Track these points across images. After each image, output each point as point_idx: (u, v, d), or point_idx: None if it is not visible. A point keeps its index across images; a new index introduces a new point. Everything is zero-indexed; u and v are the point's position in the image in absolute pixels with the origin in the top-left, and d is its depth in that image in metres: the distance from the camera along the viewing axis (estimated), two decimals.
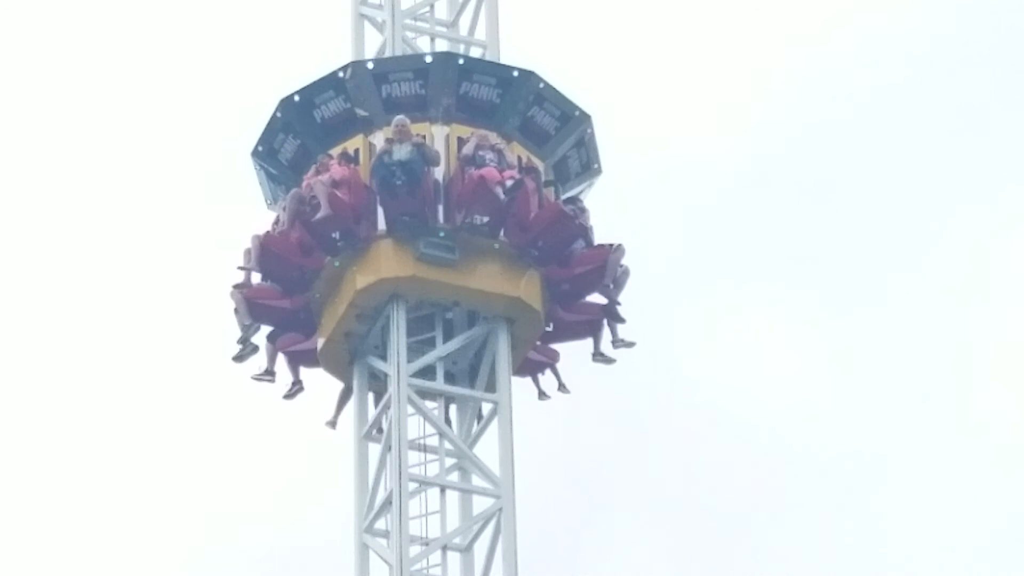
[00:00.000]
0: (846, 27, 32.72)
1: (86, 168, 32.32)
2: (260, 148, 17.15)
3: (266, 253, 16.36)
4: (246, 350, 16.54)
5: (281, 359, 16.83)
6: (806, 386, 30.43)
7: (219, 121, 27.13)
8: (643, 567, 26.35)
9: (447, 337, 16.18)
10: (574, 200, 17.23)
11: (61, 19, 32.81)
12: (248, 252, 16.52)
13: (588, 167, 17.63)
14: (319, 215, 15.91)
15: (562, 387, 17.06)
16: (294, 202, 16.16)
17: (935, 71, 33.14)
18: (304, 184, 16.30)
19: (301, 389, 16.88)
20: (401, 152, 15.73)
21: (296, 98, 16.77)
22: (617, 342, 16.75)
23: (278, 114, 16.93)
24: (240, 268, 16.45)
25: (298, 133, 16.94)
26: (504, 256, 16.09)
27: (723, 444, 28.81)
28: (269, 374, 16.68)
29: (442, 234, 15.88)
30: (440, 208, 15.96)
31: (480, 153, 16.05)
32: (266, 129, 17.05)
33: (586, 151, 17.54)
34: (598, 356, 16.84)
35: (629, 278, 16.78)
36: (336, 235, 16.17)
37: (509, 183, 15.85)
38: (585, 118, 17.43)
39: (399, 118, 15.99)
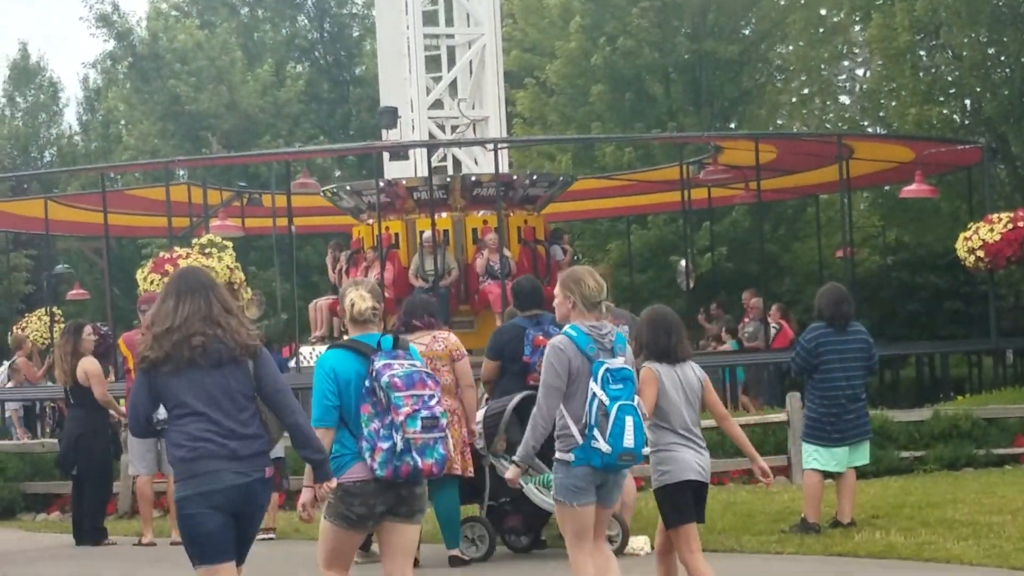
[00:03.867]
0: None
1: None
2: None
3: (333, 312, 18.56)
4: None
5: None
6: None
7: None
8: None
9: None
10: (559, 236, 19.39)
11: None
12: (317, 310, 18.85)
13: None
14: None
15: None
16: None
17: None
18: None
19: None
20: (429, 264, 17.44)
21: (348, 186, 19.57)
22: None
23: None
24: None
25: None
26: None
27: None
28: None
29: (465, 318, 17.80)
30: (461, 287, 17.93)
31: (491, 264, 17.56)
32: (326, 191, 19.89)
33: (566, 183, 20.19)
34: None
35: None
36: None
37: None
38: (568, 180, 20.24)
39: (426, 235, 17.49)
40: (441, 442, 5.85)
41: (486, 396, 9.93)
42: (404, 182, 18.30)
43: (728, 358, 19.20)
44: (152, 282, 15.13)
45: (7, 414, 20.44)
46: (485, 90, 19.80)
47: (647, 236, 26.56)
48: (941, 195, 22.52)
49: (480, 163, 19.86)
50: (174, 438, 5.54)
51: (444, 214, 18.06)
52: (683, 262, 21.68)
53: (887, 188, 25.31)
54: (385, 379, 5.76)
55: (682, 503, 6.69)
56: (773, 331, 19.22)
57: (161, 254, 16.25)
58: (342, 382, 5.88)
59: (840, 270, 21.91)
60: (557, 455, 6.43)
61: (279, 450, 9.54)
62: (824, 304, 10.02)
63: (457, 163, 20.53)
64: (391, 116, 18.79)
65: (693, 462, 6.67)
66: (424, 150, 18.38)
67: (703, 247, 24.92)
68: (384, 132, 19.59)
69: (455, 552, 9.46)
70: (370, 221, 18.42)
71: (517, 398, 9.12)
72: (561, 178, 20.21)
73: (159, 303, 5.67)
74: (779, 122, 30.08)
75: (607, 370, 6.21)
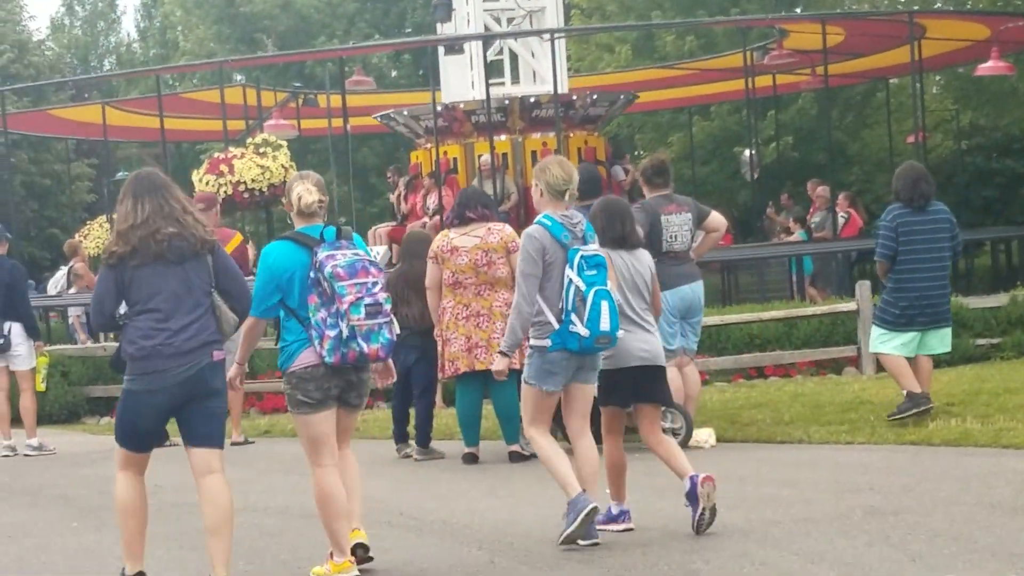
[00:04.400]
0: None
1: None
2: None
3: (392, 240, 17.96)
4: None
5: None
6: None
7: None
8: None
9: None
10: (621, 156, 18.89)
11: None
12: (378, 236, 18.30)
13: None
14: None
15: None
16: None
17: None
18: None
19: None
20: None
21: (405, 111, 18.92)
22: None
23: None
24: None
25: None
26: None
27: None
28: None
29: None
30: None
31: None
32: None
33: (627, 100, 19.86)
34: None
35: None
36: None
37: None
38: (630, 98, 19.71)
39: (484, 159, 17.04)
40: (386, 327, 5.98)
41: None
42: (462, 105, 17.88)
43: (796, 248, 18.79)
44: (207, 183, 15.03)
45: (70, 319, 20.59)
46: None
47: (710, 127, 25.97)
48: (1019, 74, 21.72)
49: (537, 56, 19.37)
50: (129, 334, 5.77)
51: (503, 137, 17.65)
52: (747, 152, 21.14)
53: (961, 70, 24.47)
54: (328, 270, 5.89)
55: (616, 388, 6.80)
56: (841, 220, 18.74)
57: (216, 155, 16.11)
58: (287, 274, 6.01)
59: (912, 157, 21.22)
60: (532, 342, 6.55)
61: None
62: (901, 185, 9.57)
63: (514, 57, 20.06)
64: (445, 9, 18.36)
65: (636, 349, 6.74)
66: (480, 44, 17.97)
67: (768, 136, 24.31)
68: (439, 26, 19.18)
69: (515, 447, 9.32)
70: (428, 145, 18.05)
71: None
72: (622, 96, 19.63)
73: (119, 204, 5.93)
74: (848, 6, 29.14)
75: (582, 257, 6.42)
